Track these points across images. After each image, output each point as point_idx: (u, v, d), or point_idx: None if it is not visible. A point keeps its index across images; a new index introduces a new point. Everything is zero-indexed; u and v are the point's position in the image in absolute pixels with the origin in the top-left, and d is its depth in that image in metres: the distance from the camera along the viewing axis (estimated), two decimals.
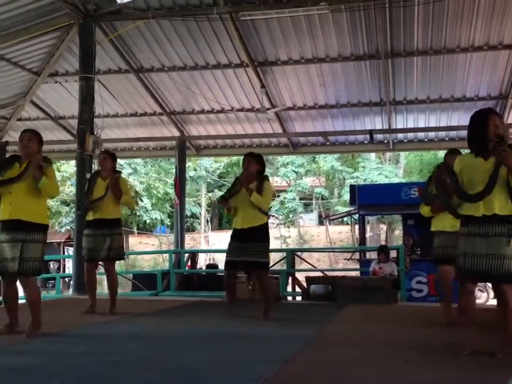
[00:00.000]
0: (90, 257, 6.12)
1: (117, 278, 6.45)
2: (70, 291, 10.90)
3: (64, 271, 20.49)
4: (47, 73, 11.16)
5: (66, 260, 20.63)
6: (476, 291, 7.78)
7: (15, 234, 4.40)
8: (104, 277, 7.39)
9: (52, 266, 20.65)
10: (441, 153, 22.08)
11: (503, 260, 3.58)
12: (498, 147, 3.63)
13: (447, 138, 12.96)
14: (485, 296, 13.90)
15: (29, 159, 4.50)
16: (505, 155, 3.58)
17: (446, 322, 5.26)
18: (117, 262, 6.40)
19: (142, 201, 25.04)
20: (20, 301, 4.76)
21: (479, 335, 3.73)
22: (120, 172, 6.31)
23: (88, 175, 8.94)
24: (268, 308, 5.75)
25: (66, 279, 16.59)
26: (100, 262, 6.52)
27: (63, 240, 22.95)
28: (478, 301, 8.24)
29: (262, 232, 5.70)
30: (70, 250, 20.30)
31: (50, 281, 18.57)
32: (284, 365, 3.45)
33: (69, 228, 23.06)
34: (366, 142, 13.39)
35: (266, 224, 5.78)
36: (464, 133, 12.17)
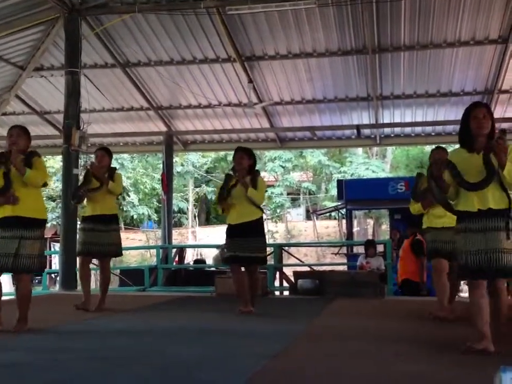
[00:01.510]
0: (86, 251, 6.06)
1: (110, 275, 6.41)
2: (57, 287, 10.84)
3: (50, 267, 20.33)
4: (32, 68, 11.05)
5: (53, 255, 20.49)
6: (462, 284, 7.84)
7: (15, 231, 4.38)
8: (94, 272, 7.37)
9: None
10: (428, 148, 22.21)
11: (502, 253, 3.54)
12: (499, 139, 3.58)
13: (433, 133, 13.03)
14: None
15: (16, 156, 4.47)
16: (500, 148, 3.55)
17: (443, 316, 5.26)
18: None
19: (129, 196, 24.94)
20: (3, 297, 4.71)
21: (458, 330, 3.71)
22: (115, 169, 6.29)
23: (74, 170, 8.91)
24: (254, 300, 5.80)
25: (52, 275, 16.48)
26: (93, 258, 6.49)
27: (49, 236, 22.77)
28: (463, 294, 8.33)
29: (257, 227, 5.72)
30: (56, 246, 20.17)
31: (37, 277, 18.43)
32: (273, 359, 3.46)
33: (55, 223, 22.93)
34: (353, 137, 13.44)
35: (262, 218, 5.81)
36: (450, 128, 12.27)
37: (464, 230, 3.69)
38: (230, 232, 5.74)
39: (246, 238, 5.59)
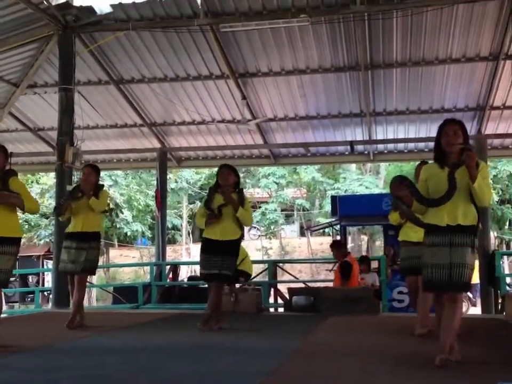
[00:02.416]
0: (63, 270, 6.04)
1: (84, 292, 6.26)
2: (50, 305, 10.75)
3: (43, 284, 20.18)
4: (26, 85, 11.06)
5: (46, 273, 20.35)
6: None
7: None
8: (92, 289, 7.26)
9: (30, 280, 20.34)
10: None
11: (464, 268, 3.60)
12: (465, 150, 3.67)
13: (426, 149, 13.06)
14: (465, 306, 14.01)
15: None
16: (470, 155, 3.62)
17: (420, 334, 5.26)
18: (95, 275, 6.30)
19: (122, 213, 24.85)
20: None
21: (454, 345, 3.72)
22: (103, 186, 6.27)
23: (68, 187, 8.87)
24: (221, 318, 5.73)
25: (45, 293, 16.35)
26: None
27: (42, 254, 22.62)
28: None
29: (235, 247, 5.77)
30: (49, 264, 20.04)
31: (29, 295, 18.30)
32: (270, 376, 3.43)
33: (48, 240, 22.78)
34: (346, 153, 13.46)
35: (240, 238, 5.87)
36: None
37: (432, 245, 3.73)
38: (207, 247, 5.72)
39: (219, 256, 5.60)
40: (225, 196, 5.64)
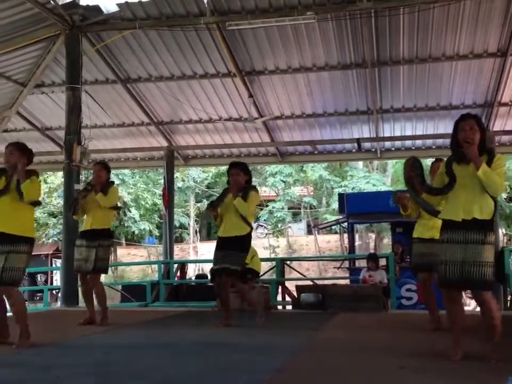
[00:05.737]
0: (76, 269, 6.08)
1: (103, 289, 6.32)
2: (58, 303, 10.80)
3: (51, 283, 20.30)
4: (33, 84, 11.10)
5: (54, 271, 20.47)
6: (465, 297, 7.82)
7: (2, 247, 4.38)
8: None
9: (39, 278, 20.46)
10: (428, 162, 22.17)
11: (480, 267, 3.59)
12: (466, 143, 3.73)
13: (434, 146, 13.02)
14: (474, 303, 13.95)
15: (11, 172, 4.53)
16: (468, 147, 3.69)
17: (432, 329, 5.31)
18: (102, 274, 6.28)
19: (130, 212, 24.95)
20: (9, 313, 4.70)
21: (463, 342, 3.74)
22: (113, 183, 6.30)
23: (76, 186, 8.90)
24: (259, 313, 5.75)
25: (54, 291, 16.45)
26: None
27: (51, 252, 22.76)
28: (467, 308, 8.27)
29: (241, 242, 5.68)
30: (58, 262, 20.13)
31: (38, 294, 18.41)
32: (276, 373, 3.43)
33: (56, 239, 22.91)
34: (353, 150, 13.44)
35: (249, 235, 5.76)
36: None
37: (447, 241, 3.73)
38: (217, 245, 5.77)
39: (225, 251, 5.59)
40: (230, 188, 5.69)
